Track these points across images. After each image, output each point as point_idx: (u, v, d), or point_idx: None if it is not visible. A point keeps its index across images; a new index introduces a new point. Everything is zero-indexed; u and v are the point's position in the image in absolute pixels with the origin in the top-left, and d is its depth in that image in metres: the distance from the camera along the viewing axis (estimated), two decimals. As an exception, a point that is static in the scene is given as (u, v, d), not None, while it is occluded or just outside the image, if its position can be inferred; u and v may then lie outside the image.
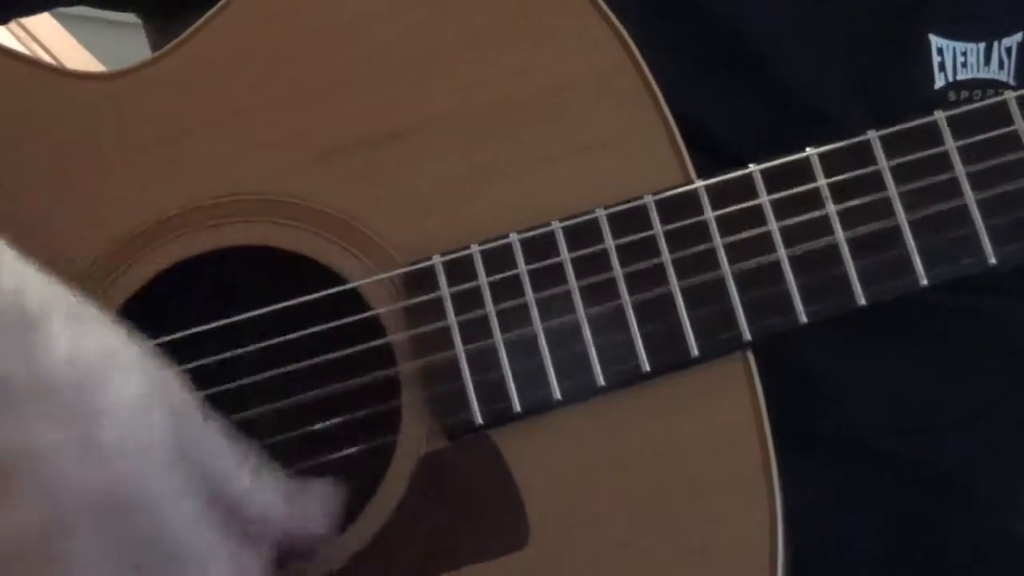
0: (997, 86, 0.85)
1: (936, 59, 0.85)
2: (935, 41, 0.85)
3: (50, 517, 0.62)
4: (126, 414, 0.63)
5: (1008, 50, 0.87)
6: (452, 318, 0.73)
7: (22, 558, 0.62)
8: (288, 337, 0.75)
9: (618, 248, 0.73)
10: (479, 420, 0.73)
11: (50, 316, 0.63)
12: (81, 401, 0.62)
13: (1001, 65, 0.87)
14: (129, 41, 1.06)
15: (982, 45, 0.86)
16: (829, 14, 0.84)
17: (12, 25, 1.47)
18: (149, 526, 0.63)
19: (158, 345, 0.72)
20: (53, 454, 0.62)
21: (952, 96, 0.84)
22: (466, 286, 0.73)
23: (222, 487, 0.66)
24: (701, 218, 0.73)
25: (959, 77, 0.85)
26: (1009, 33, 0.87)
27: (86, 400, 0.63)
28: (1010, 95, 0.72)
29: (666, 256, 0.73)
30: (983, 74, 0.86)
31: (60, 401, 0.62)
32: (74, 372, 0.63)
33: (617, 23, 0.74)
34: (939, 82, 0.84)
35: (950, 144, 0.72)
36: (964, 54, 0.85)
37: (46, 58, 1.61)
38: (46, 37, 1.56)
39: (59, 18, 1.64)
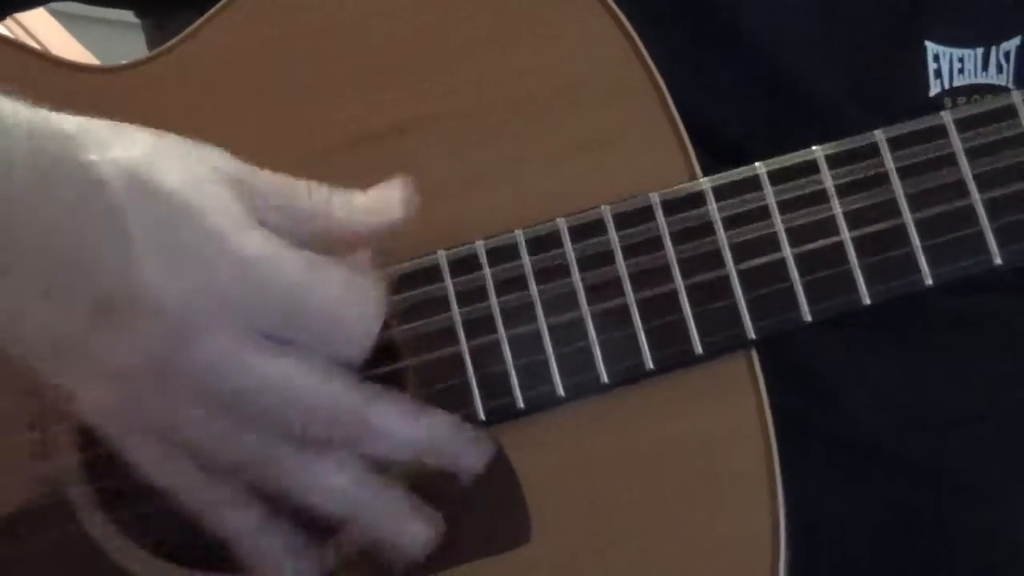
0: (996, 91, 0.85)
1: (932, 66, 0.85)
2: (931, 48, 0.85)
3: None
4: (184, 194, 0.65)
5: (1007, 54, 0.87)
6: (456, 314, 0.73)
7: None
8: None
9: (623, 245, 0.73)
10: (482, 416, 0.72)
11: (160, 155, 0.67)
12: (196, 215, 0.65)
13: (1000, 69, 0.87)
14: (129, 41, 1.06)
15: (980, 50, 0.86)
16: (829, 19, 0.84)
17: (10, 23, 1.47)
18: (266, 280, 0.65)
19: None
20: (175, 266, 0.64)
21: (948, 103, 0.84)
22: (470, 282, 0.73)
23: (301, 215, 0.68)
24: (706, 216, 0.73)
25: (956, 83, 0.85)
26: (1007, 37, 0.87)
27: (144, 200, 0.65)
28: (1017, 95, 0.72)
29: (671, 254, 0.73)
30: (981, 79, 0.86)
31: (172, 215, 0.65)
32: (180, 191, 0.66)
33: (624, 20, 0.74)
34: (935, 89, 0.85)
35: (956, 144, 0.72)
36: (961, 60, 0.85)
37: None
38: (46, 37, 1.56)
39: (59, 17, 1.64)
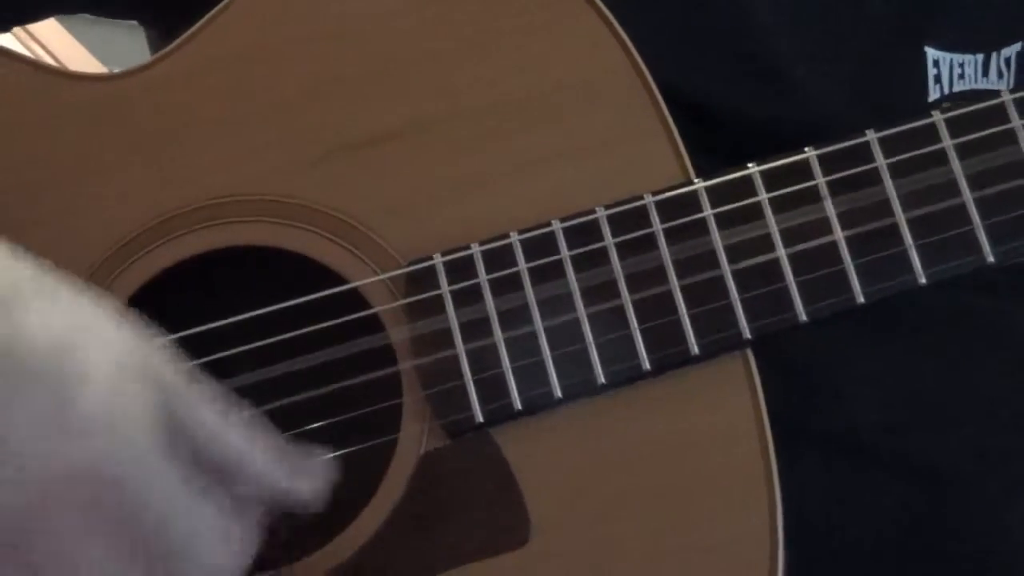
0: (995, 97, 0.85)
1: (932, 71, 0.85)
2: (931, 54, 0.85)
3: (30, 499, 0.60)
4: (102, 386, 0.62)
5: (1007, 60, 0.87)
6: (453, 317, 0.73)
7: (6, 543, 0.60)
8: (288, 336, 0.75)
9: (618, 247, 0.73)
10: (480, 419, 0.73)
11: (19, 295, 0.62)
12: (54, 375, 0.61)
13: (1000, 75, 0.87)
14: (129, 41, 1.07)
15: (980, 56, 0.86)
16: (829, 24, 0.84)
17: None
18: (134, 499, 0.62)
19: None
20: (28, 433, 0.60)
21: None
22: (467, 285, 0.74)
23: (209, 449, 0.64)
24: (701, 217, 0.73)
25: (956, 89, 0.85)
26: (1008, 43, 0.87)
27: (60, 374, 0.61)
28: (1007, 96, 0.73)
29: (666, 255, 0.73)
30: (981, 85, 0.86)
31: (33, 377, 0.61)
32: (47, 347, 0.61)
33: (615, 23, 0.75)
34: (934, 94, 0.85)
35: (948, 143, 0.72)
36: (961, 65, 0.86)
37: (46, 58, 1.61)
38: (46, 37, 1.56)
39: (59, 18, 1.64)
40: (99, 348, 0.62)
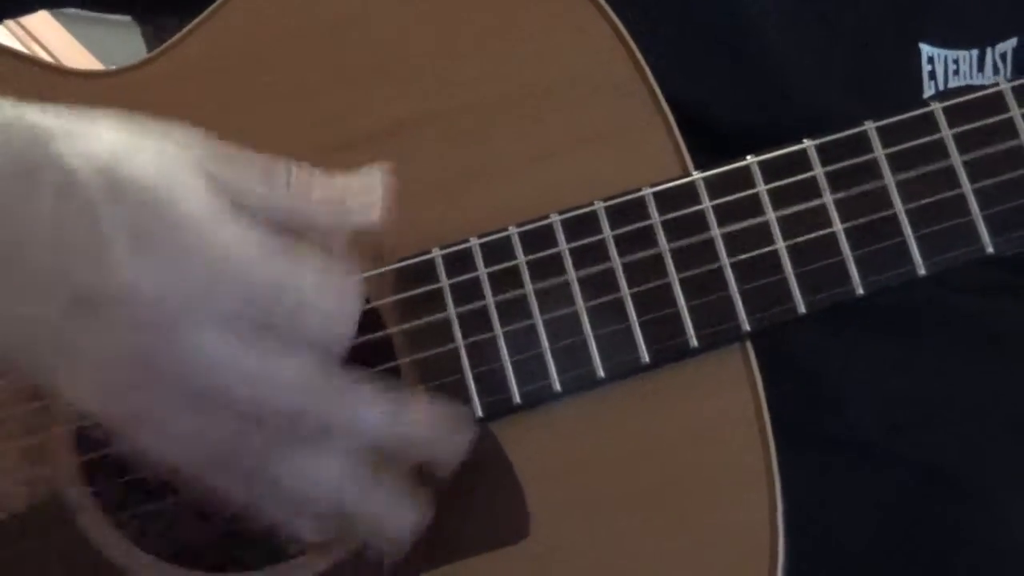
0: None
1: (926, 68, 0.85)
2: (926, 50, 0.85)
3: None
4: (157, 187, 0.65)
5: (1003, 56, 0.87)
6: (452, 311, 0.73)
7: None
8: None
9: (617, 240, 0.73)
10: (479, 412, 0.73)
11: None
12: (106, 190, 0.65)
13: (996, 71, 0.87)
14: (129, 41, 1.07)
15: (975, 52, 0.86)
16: (823, 21, 0.84)
17: (12, 25, 1.48)
18: (237, 274, 0.65)
19: None
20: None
21: None
22: (465, 278, 0.74)
23: (269, 208, 0.67)
24: (699, 209, 0.73)
25: (951, 85, 0.85)
26: (1003, 39, 0.87)
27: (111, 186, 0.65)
28: (1005, 84, 0.72)
29: (664, 247, 0.73)
30: (976, 81, 0.86)
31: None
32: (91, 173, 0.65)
33: (614, 17, 0.75)
34: (928, 91, 0.85)
35: (946, 133, 0.72)
36: (956, 62, 0.85)
37: (46, 58, 1.61)
38: (46, 37, 1.57)
39: (59, 18, 1.65)
40: (136, 160, 0.66)
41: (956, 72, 0.85)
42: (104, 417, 0.66)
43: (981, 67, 0.86)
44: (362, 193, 0.70)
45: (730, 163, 0.73)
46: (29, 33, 1.53)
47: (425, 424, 0.69)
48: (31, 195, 0.64)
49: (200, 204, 0.66)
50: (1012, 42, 0.88)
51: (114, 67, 0.80)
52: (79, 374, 0.65)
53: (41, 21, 1.58)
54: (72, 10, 0.96)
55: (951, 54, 0.85)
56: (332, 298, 0.67)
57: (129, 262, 0.64)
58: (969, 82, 0.86)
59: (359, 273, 0.68)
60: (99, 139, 0.66)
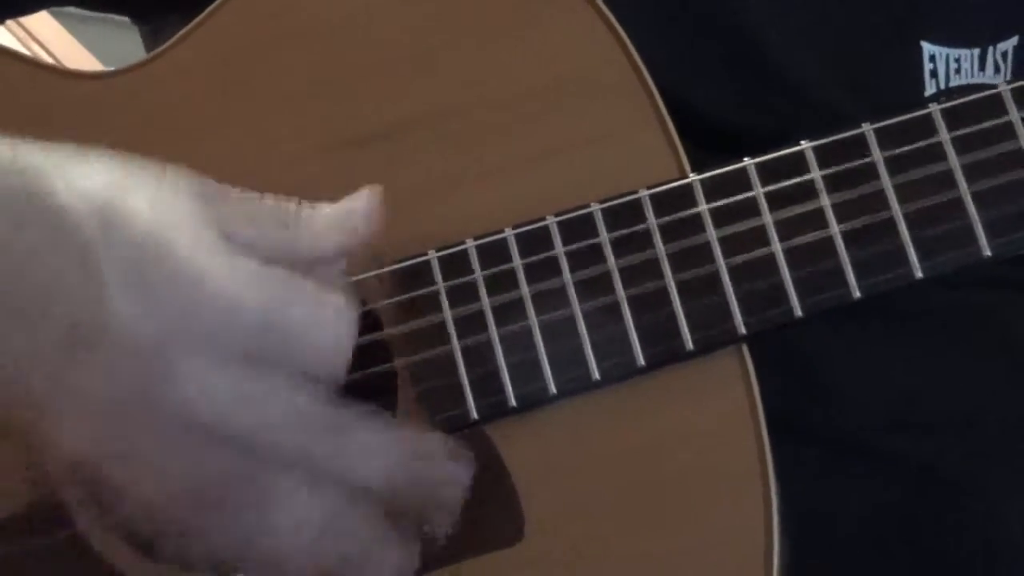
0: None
1: (928, 66, 0.84)
2: (927, 48, 0.85)
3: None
4: (153, 224, 0.65)
5: (1004, 54, 0.87)
6: (447, 313, 0.73)
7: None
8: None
9: (613, 242, 0.73)
10: (475, 415, 0.73)
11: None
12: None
13: (997, 70, 0.87)
14: (129, 41, 1.07)
15: (976, 51, 0.86)
16: (824, 19, 0.84)
17: (12, 25, 1.48)
18: (226, 306, 0.64)
19: None
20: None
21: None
22: (461, 281, 0.73)
23: (268, 235, 0.67)
24: (696, 211, 0.73)
25: (952, 84, 0.85)
26: (1004, 37, 0.87)
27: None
28: (1004, 87, 0.72)
29: (660, 250, 0.73)
30: (978, 79, 0.86)
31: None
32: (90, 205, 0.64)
33: (611, 17, 0.74)
34: (930, 89, 0.85)
35: (944, 136, 0.72)
36: (958, 60, 0.85)
37: (46, 58, 1.61)
38: (46, 37, 1.57)
39: (59, 18, 1.65)
40: (134, 201, 0.65)
41: (958, 71, 0.85)
42: (94, 456, 0.66)
43: (983, 66, 0.86)
44: (347, 218, 0.69)
45: (727, 165, 0.73)
46: (29, 33, 1.53)
47: (425, 466, 0.68)
48: (24, 232, 0.64)
49: (195, 242, 0.65)
50: (1013, 41, 0.87)
51: (114, 68, 0.80)
52: (72, 410, 0.65)
53: (41, 21, 1.58)
54: (72, 10, 0.96)
55: (952, 52, 0.85)
56: (326, 327, 0.66)
57: (124, 301, 0.63)
58: (970, 81, 0.86)
59: (357, 308, 0.67)
60: (93, 178, 0.65)
